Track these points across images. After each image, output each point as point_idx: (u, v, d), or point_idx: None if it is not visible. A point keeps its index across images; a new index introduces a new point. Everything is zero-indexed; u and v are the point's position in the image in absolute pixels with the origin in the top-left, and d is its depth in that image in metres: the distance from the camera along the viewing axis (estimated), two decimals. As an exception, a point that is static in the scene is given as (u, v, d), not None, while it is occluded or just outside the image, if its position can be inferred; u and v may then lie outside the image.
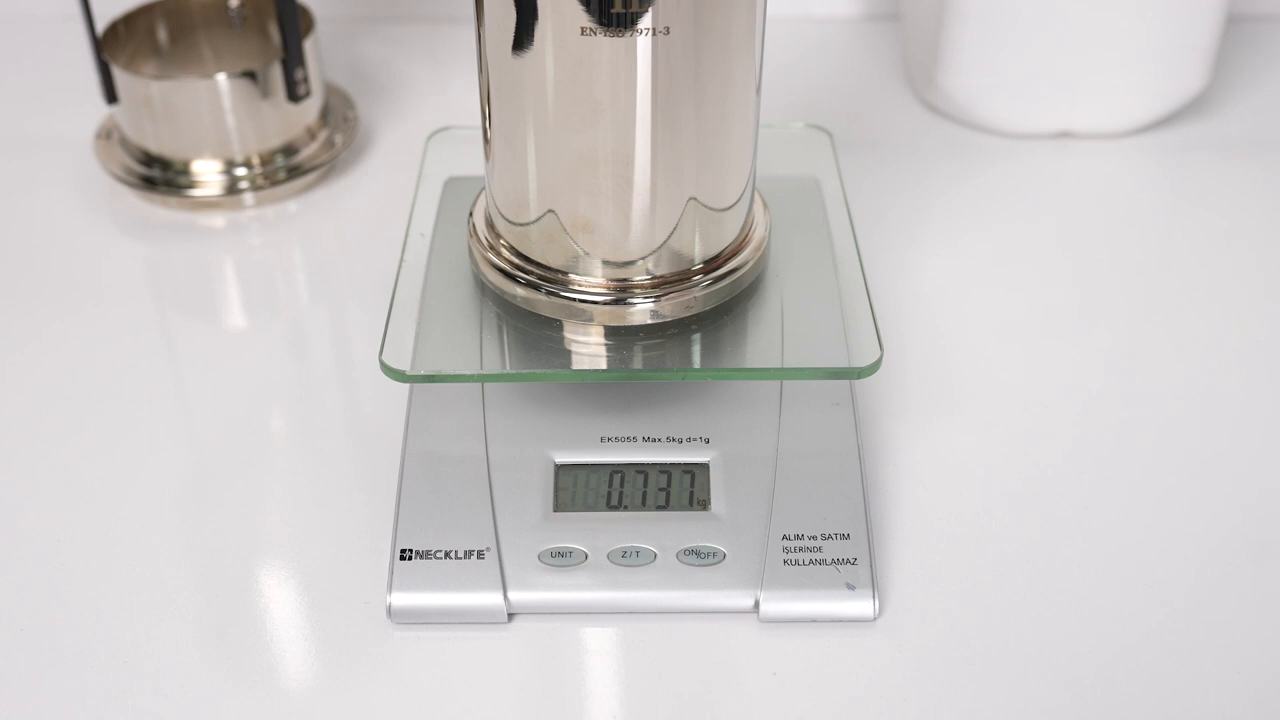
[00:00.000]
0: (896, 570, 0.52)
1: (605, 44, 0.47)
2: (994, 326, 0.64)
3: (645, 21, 0.46)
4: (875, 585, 0.50)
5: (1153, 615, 0.50)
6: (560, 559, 0.50)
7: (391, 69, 0.85)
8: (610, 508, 0.52)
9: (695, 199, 0.51)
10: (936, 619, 0.50)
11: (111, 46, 0.73)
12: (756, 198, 0.57)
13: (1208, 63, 0.76)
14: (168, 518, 0.55)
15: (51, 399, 0.60)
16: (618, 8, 0.46)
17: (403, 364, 0.52)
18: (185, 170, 0.71)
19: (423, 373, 0.52)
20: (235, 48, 0.77)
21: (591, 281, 0.53)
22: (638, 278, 0.53)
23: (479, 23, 0.50)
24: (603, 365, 0.53)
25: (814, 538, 0.51)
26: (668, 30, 0.47)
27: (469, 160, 0.62)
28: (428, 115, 0.78)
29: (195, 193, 0.71)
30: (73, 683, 0.48)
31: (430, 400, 0.55)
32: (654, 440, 0.54)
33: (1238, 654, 0.49)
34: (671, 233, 0.52)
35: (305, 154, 0.73)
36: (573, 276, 0.53)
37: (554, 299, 0.53)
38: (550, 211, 0.52)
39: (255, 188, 0.72)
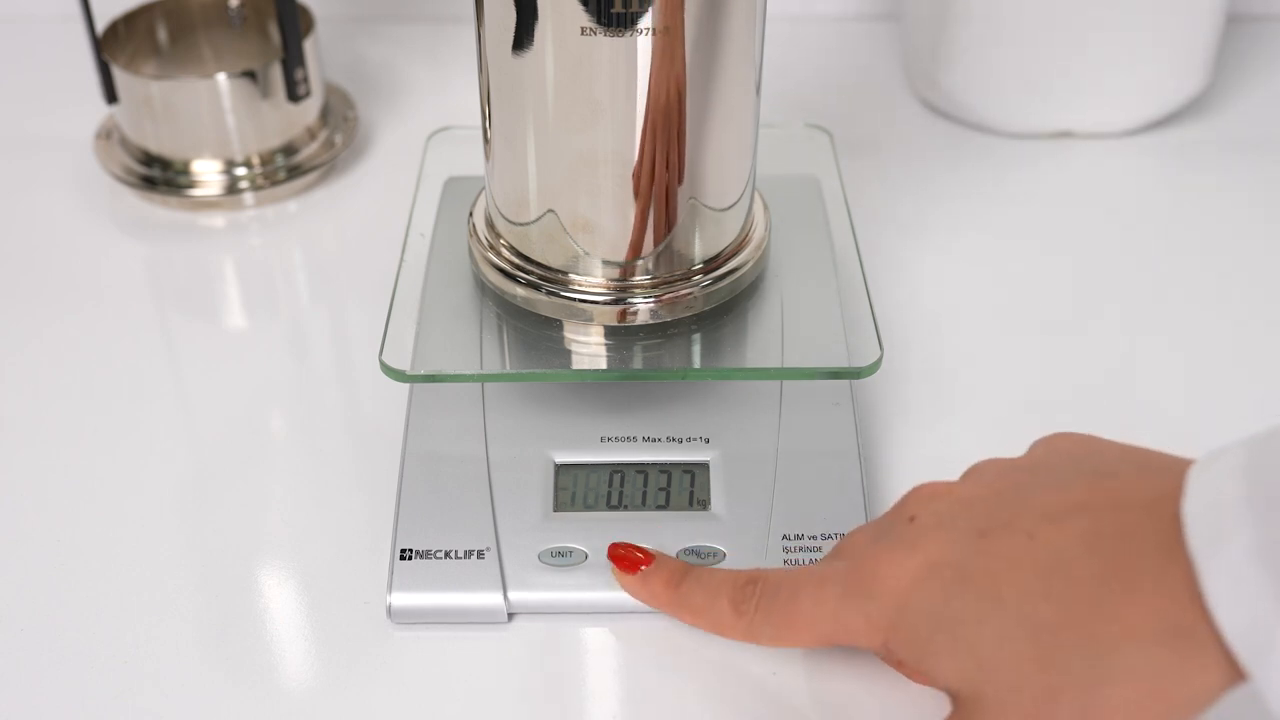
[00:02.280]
0: (896, 570, 0.52)
1: (605, 44, 0.47)
2: (994, 326, 0.64)
3: (645, 21, 0.46)
4: (875, 585, 0.50)
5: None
6: (560, 559, 0.50)
7: (391, 69, 0.85)
8: (610, 507, 0.52)
9: (695, 199, 0.52)
10: (936, 619, 0.50)
11: (111, 46, 0.73)
12: (756, 197, 0.57)
13: (1208, 63, 0.76)
14: (168, 518, 0.55)
15: (51, 399, 0.60)
16: (618, 8, 0.46)
17: (403, 364, 0.52)
18: (185, 170, 0.71)
19: (423, 373, 0.52)
20: (235, 48, 0.77)
21: (591, 281, 0.53)
22: (638, 277, 0.53)
23: (479, 23, 0.50)
24: (603, 365, 0.53)
25: (814, 538, 0.51)
26: (668, 30, 0.47)
27: (469, 160, 0.62)
28: (428, 115, 0.78)
29: (195, 193, 0.71)
30: (73, 683, 0.48)
31: (430, 400, 0.55)
32: (654, 440, 0.54)
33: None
34: (671, 232, 0.52)
35: (305, 154, 0.73)
36: (573, 276, 0.53)
37: (554, 299, 0.53)
38: (550, 211, 0.52)
39: (255, 188, 0.72)
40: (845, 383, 0.56)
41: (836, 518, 0.51)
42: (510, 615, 0.50)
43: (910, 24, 0.79)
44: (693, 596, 0.47)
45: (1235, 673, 0.36)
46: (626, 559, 0.49)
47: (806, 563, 0.50)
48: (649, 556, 0.49)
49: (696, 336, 0.54)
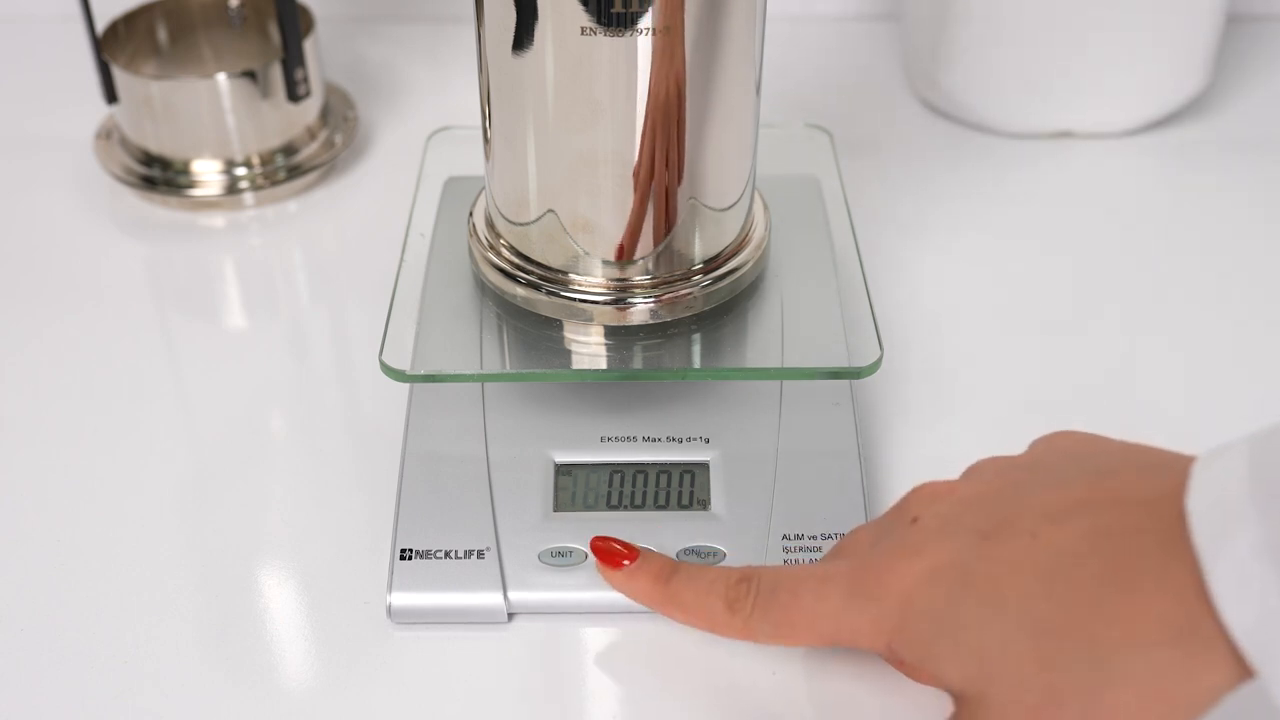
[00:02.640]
0: (896, 570, 0.52)
1: (605, 44, 0.47)
2: (994, 326, 0.64)
3: (645, 21, 0.46)
4: (875, 585, 0.50)
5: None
6: (560, 559, 0.50)
7: (391, 69, 0.85)
8: (610, 507, 0.52)
9: (695, 199, 0.52)
10: (936, 619, 0.50)
11: (111, 46, 0.73)
12: (756, 197, 0.57)
13: (1208, 63, 0.76)
14: (168, 518, 0.55)
15: (51, 399, 0.60)
16: (618, 8, 0.46)
17: (403, 364, 0.52)
18: (185, 170, 0.71)
19: (423, 373, 0.52)
20: (235, 48, 0.77)
21: (591, 281, 0.53)
22: (638, 277, 0.53)
23: (479, 23, 0.50)
24: (603, 365, 0.53)
25: (814, 538, 0.51)
26: (668, 30, 0.47)
27: (469, 160, 0.62)
28: (428, 115, 0.78)
29: (195, 193, 0.71)
30: (73, 683, 0.48)
31: (430, 400, 0.55)
32: (654, 440, 0.54)
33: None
34: (671, 232, 0.52)
35: (305, 154, 0.73)
36: (573, 276, 0.53)
37: (554, 299, 0.53)
38: (550, 211, 0.52)
39: (255, 188, 0.72)
40: (845, 383, 0.56)
41: (836, 518, 0.51)
42: (510, 615, 0.50)
43: (910, 24, 0.79)
44: (683, 593, 0.47)
45: (1241, 670, 0.36)
46: (608, 552, 0.48)
47: (807, 563, 0.50)
48: (633, 552, 0.48)
49: (696, 336, 0.54)
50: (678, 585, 0.47)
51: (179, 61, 0.77)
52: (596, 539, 0.49)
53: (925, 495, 0.45)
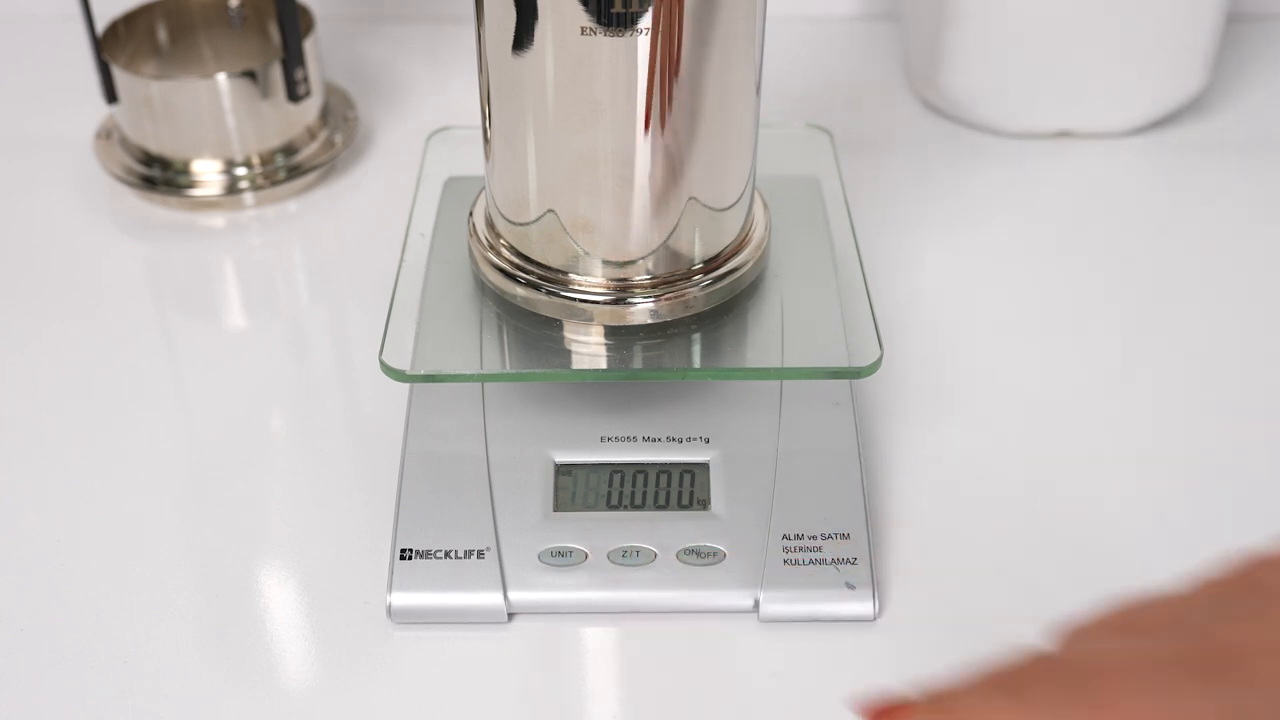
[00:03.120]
0: (896, 570, 0.52)
1: (605, 44, 0.47)
2: (994, 326, 0.64)
3: (645, 21, 0.46)
4: (875, 585, 0.50)
5: (1153, 615, 0.50)
6: (560, 559, 0.50)
7: (391, 69, 0.85)
8: (610, 507, 0.52)
9: (695, 199, 0.51)
10: (936, 619, 0.50)
11: (111, 46, 0.73)
12: (756, 197, 0.57)
13: (1208, 63, 0.76)
14: (168, 518, 0.55)
15: (51, 399, 0.60)
16: (618, 8, 0.46)
17: (403, 364, 0.52)
18: (185, 170, 0.71)
19: (423, 373, 0.52)
20: (235, 48, 0.77)
21: (591, 281, 0.53)
22: (638, 277, 0.53)
23: (479, 23, 0.50)
24: (603, 365, 0.53)
25: (814, 537, 0.51)
26: (668, 30, 0.47)
27: (469, 160, 0.62)
28: (428, 115, 0.78)
29: (195, 193, 0.71)
30: (73, 683, 0.48)
31: (430, 400, 0.55)
32: (654, 440, 0.54)
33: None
34: (671, 232, 0.52)
35: (305, 154, 0.73)
36: (573, 276, 0.53)
37: (554, 299, 0.53)
38: (550, 211, 0.52)
39: (255, 188, 0.72)
40: (845, 383, 0.56)
41: (836, 518, 0.51)
42: (510, 615, 0.50)
43: (910, 24, 0.79)
44: (972, 712, 0.37)
45: None
46: (887, 713, 0.39)
47: (806, 563, 0.50)
48: (909, 704, 0.39)
49: (696, 336, 0.54)
50: (962, 709, 0.37)
51: (179, 61, 0.77)
52: (866, 706, 0.39)
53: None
